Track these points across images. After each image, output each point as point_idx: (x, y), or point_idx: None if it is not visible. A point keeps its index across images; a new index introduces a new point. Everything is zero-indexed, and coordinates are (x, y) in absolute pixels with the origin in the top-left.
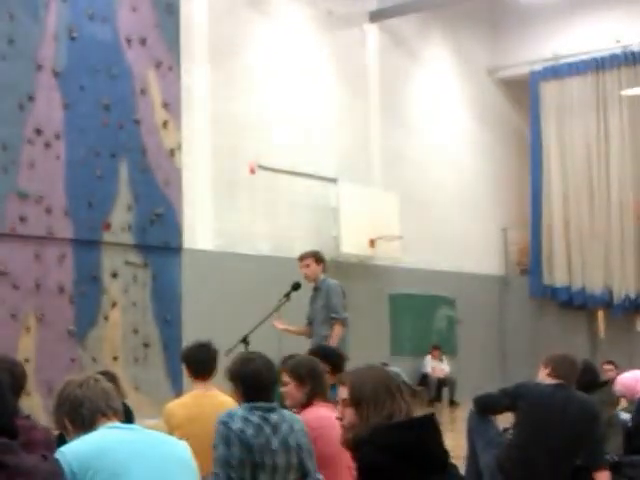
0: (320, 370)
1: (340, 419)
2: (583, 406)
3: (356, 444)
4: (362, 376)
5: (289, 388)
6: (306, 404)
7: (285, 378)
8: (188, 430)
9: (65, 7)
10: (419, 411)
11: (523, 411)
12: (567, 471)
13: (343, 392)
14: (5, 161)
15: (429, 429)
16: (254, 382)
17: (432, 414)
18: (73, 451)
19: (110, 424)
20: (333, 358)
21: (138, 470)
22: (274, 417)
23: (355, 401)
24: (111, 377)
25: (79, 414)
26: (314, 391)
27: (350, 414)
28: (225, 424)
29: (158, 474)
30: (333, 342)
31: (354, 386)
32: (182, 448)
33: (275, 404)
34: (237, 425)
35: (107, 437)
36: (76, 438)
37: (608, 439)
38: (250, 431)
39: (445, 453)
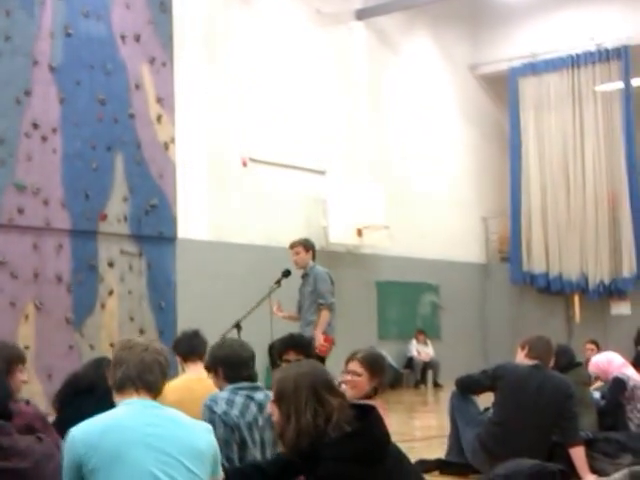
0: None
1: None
2: (558, 385)
3: (300, 451)
4: (287, 374)
5: (360, 379)
6: (368, 397)
7: (357, 368)
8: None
9: (61, 4)
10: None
11: (502, 391)
12: (544, 447)
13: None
14: (3, 154)
15: (378, 430)
16: (231, 360)
17: (374, 410)
18: (80, 432)
19: (134, 399)
20: (305, 347)
21: (138, 455)
22: (259, 396)
23: (277, 398)
24: (108, 363)
25: (114, 375)
26: (381, 386)
27: (275, 412)
28: (209, 408)
29: (162, 461)
30: (320, 327)
31: (277, 383)
32: (199, 435)
33: (259, 384)
34: (221, 408)
35: (115, 418)
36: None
37: (582, 417)
38: (235, 412)
39: (390, 438)
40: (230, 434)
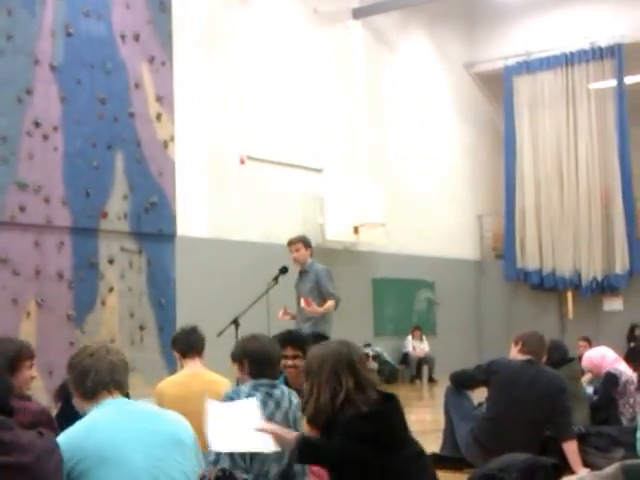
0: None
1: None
2: (550, 380)
3: (318, 425)
4: (317, 351)
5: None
6: None
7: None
8: (178, 408)
9: (62, 4)
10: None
11: (495, 386)
12: (537, 441)
13: None
14: (5, 152)
15: (395, 416)
16: (260, 357)
17: (396, 400)
18: (65, 438)
19: (109, 400)
20: (302, 343)
21: (126, 452)
22: (277, 393)
23: (305, 373)
24: None
25: (83, 384)
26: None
27: (305, 385)
28: (231, 399)
29: (150, 455)
30: (319, 308)
31: (307, 359)
32: (180, 425)
33: (277, 381)
34: None
35: (97, 420)
36: (79, 404)
37: (575, 411)
38: None
39: (408, 430)
40: None
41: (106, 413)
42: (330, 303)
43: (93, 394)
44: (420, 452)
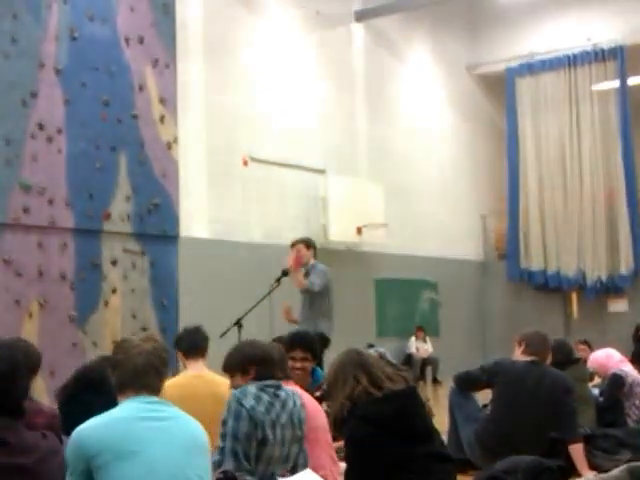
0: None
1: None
2: (556, 381)
3: (340, 421)
4: (331, 367)
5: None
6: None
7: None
8: (181, 409)
9: (66, 8)
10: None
11: (499, 387)
12: (542, 443)
13: None
14: (9, 155)
15: (406, 401)
16: (265, 360)
17: (412, 388)
18: (86, 431)
19: (133, 397)
20: (310, 344)
21: (145, 450)
22: (282, 394)
23: (328, 391)
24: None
25: (115, 377)
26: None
27: (330, 400)
28: (238, 400)
29: (169, 455)
30: (300, 274)
31: (326, 379)
32: (198, 428)
33: (281, 382)
34: (249, 402)
35: (119, 416)
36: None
37: (581, 413)
38: (261, 409)
39: (427, 423)
40: (253, 430)
41: (127, 411)
42: (305, 281)
43: (121, 389)
44: (445, 456)
